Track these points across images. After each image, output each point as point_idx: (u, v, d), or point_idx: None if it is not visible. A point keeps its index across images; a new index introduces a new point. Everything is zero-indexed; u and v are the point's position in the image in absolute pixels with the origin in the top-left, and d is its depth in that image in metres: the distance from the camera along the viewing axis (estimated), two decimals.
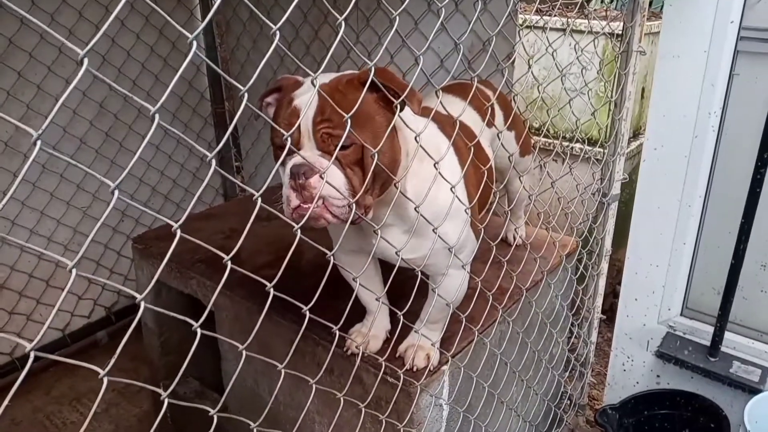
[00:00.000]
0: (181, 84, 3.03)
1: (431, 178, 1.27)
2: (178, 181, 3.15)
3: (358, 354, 1.46)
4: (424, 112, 1.30)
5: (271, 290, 0.96)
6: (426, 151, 1.19)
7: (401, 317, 1.33)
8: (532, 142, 1.97)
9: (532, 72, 1.83)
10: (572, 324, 2.27)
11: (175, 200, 3.17)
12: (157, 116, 0.72)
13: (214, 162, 0.78)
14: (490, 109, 1.68)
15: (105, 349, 3.00)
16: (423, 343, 1.57)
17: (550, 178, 1.99)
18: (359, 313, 1.67)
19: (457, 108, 1.58)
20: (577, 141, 2.78)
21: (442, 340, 1.62)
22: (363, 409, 1.47)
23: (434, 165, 1.22)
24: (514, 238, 2.14)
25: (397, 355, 1.59)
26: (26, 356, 0.61)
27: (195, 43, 0.71)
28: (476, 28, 2.24)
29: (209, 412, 0.90)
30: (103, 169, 2.80)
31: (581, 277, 2.20)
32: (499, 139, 1.61)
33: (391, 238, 1.33)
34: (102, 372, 0.69)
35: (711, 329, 2.04)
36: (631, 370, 2.30)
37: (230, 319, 1.99)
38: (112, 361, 0.69)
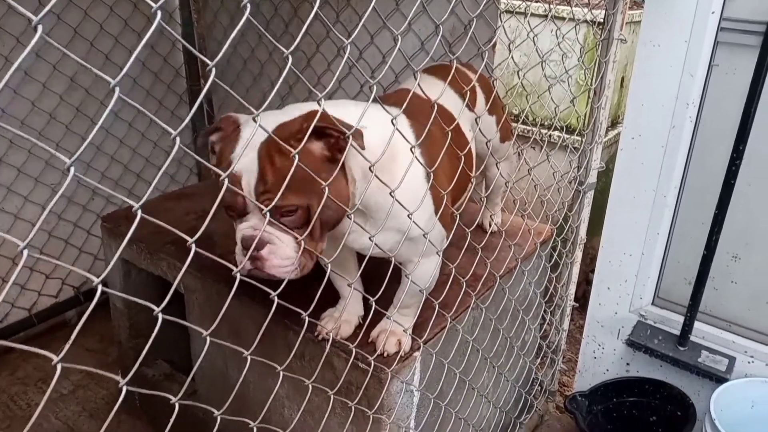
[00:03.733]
0: (156, 60, 2.96)
1: (392, 182, 1.24)
2: (151, 160, 3.09)
3: (328, 339, 1.45)
4: (403, 94, 1.27)
5: (238, 275, 0.94)
6: (382, 180, 1.18)
7: (373, 303, 1.31)
8: (512, 128, 1.96)
9: (512, 57, 1.82)
10: (545, 311, 2.27)
11: (148, 179, 3.10)
12: (117, 89, 0.68)
13: (178, 140, 0.75)
14: (470, 92, 1.65)
15: (73, 330, 2.94)
16: (395, 329, 1.55)
17: (527, 165, 1.98)
18: (333, 297, 1.66)
19: (437, 90, 1.55)
20: (556, 129, 2.78)
21: (414, 326, 1.61)
22: (332, 395, 1.46)
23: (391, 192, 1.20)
24: (490, 225, 2.13)
25: (369, 340, 1.58)
26: None
27: (159, 13, 0.67)
28: (458, 10, 2.21)
29: (171, 399, 0.87)
30: (74, 145, 2.72)
31: (555, 265, 2.20)
32: (477, 124, 1.58)
33: (360, 238, 1.32)
34: (55, 358, 0.66)
35: (681, 319, 2.06)
36: (602, 358, 2.32)
37: (200, 302, 1.96)
38: (66, 347, 0.65)
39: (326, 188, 1.07)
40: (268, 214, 1.03)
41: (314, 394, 1.58)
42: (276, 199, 1.04)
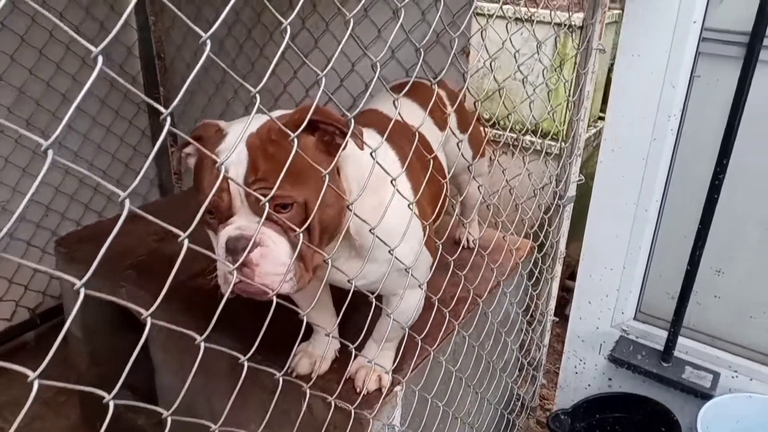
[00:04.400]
0: (111, 67, 2.79)
1: (378, 205, 1.15)
2: (109, 172, 2.93)
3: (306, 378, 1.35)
4: (373, 115, 1.18)
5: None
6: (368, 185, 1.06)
7: (353, 350, 1.22)
8: (485, 143, 1.88)
9: (483, 61, 1.73)
10: (526, 328, 2.21)
11: (105, 193, 2.94)
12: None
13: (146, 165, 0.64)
14: (441, 111, 1.57)
15: (31, 354, 2.77)
16: (378, 361, 1.46)
17: (503, 175, 1.89)
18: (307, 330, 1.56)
19: (409, 112, 1.46)
20: (527, 132, 2.70)
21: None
22: None
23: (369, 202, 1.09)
24: (468, 240, 2.06)
25: (347, 376, 1.48)
26: None
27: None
28: (429, 18, 2.12)
29: None
30: (24, 157, 2.56)
31: (536, 281, 2.14)
32: (455, 146, 1.49)
33: (339, 265, 1.21)
34: (32, 375, 0.57)
35: (664, 334, 2.02)
36: (583, 373, 2.27)
37: (164, 333, 1.84)
38: (44, 364, 0.55)
39: (326, 177, 0.92)
40: (266, 206, 0.86)
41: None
42: (272, 190, 0.88)
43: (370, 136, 1.26)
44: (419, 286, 1.34)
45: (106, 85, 2.79)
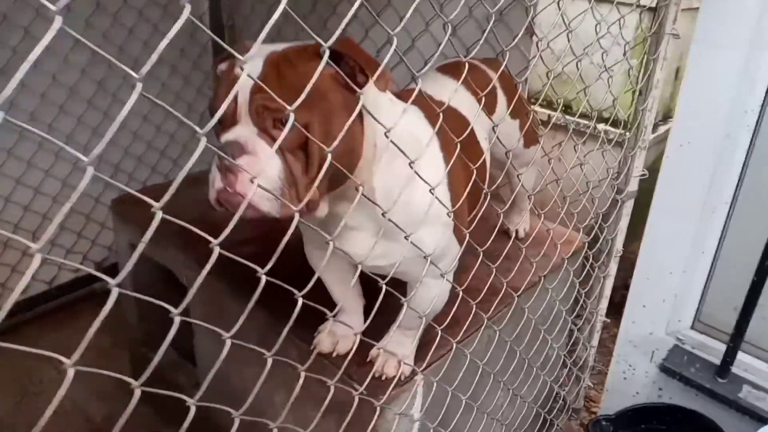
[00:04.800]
0: (181, 34, 2.85)
1: (406, 175, 1.10)
2: (176, 137, 3.01)
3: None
4: (410, 95, 1.12)
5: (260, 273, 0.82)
6: (398, 147, 1.01)
7: (358, 335, 1.18)
8: (539, 131, 1.78)
9: (549, 46, 1.62)
10: (572, 326, 2.10)
11: (171, 156, 3.04)
12: (139, 84, 0.60)
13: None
14: (490, 94, 1.48)
15: (96, 304, 2.93)
16: (396, 349, 1.42)
17: (561, 164, 1.78)
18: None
19: (452, 92, 1.39)
20: (598, 119, 2.54)
21: (420, 346, 1.48)
22: (326, 413, 1.35)
23: (409, 164, 1.04)
24: (516, 231, 1.98)
25: (368, 359, 1.46)
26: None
27: None
28: None
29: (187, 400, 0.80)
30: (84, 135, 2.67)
31: (587, 277, 2.02)
32: (495, 132, 1.40)
33: (360, 241, 1.17)
34: (68, 362, 0.60)
35: (723, 347, 1.86)
36: (632, 379, 2.14)
37: (203, 300, 1.87)
38: (78, 352, 0.57)
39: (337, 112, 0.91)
40: (265, 118, 0.87)
41: (309, 409, 1.48)
42: (271, 102, 0.87)
43: (413, 110, 1.21)
44: (442, 275, 1.28)
45: (175, 53, 2.85)
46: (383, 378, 1.41)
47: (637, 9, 2.23)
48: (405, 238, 1.11)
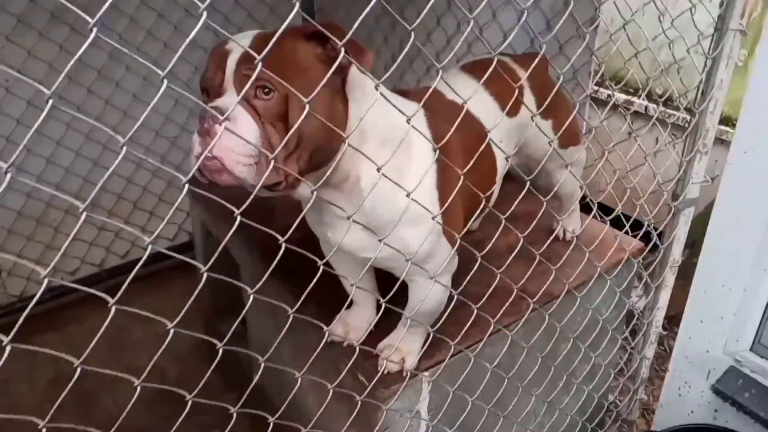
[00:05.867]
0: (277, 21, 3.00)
1: (395, 168, 1.12)
2: None
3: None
4: (423, 93, 1.14)
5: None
6: (372, 135, 1.04)
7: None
8: (581, 130, 1.70)
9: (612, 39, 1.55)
10: (625, 336, 2.01)
11: None
12: (165, 81, 0.71)
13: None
14: (513, 94, 1.44)
15: (185, 273, 3.19)
16: (402, 345, 1.45)
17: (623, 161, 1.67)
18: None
19: (470, 92, 1.37)
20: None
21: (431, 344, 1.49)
22: (340, 400, 1.41)
23: (377, 169, 1.05)
24: (564, 233, 1.91)
25: (375, 352, 1.50)
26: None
27: None
28: None
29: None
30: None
31: (645, 285, 1.92)
32: (537, 133, 1.36)
33: (351, 233, 1.20)
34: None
35: None
36: (687, 397, 2.00)
37: (248, 277, 2.00)
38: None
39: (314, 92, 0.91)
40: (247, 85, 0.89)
41: (327, 391, 1.56)
42: (253, 71, 0.89)
43: (409, 104, 1.21)
44: (432, 278, 1.28)
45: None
46: (386, 372, 1.44)
47: None
48: (379, 240, 1.13)
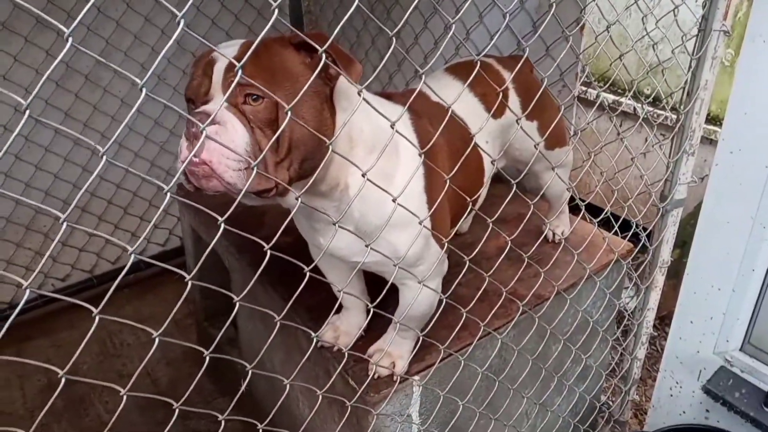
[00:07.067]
0: (262, 25, 3.00)
1: (382, 175, 1.12)
2: None
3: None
4: (408, 96, 1.14)
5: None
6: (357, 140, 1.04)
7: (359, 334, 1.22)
8: (567, 131, 1.70)
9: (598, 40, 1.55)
10: (616, 337, 2.01)
11: None
12: (144, 90, 0.71)
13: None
14: (497, 96, 1.44)
15: (174, 278, 3.18)
16: (392, 349, 1.45)
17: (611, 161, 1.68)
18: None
19: (455, 95, 1.37)
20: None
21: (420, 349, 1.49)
22: (330, 403, 1.41)
23: (362, 174, 1.04)
24: (554, 235, 1.91)
25: (366, 356, 1.49)
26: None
27: None
28: None
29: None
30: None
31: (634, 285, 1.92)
32: (522, 134, 1.36)
33: (342, 238, 1.20)
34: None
35: None
36: (678, 398, 2.01)
37: (239, 284, 1.99)
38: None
39: (302, 90, 0.92)
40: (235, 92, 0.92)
41: (318, 396, 1.55)
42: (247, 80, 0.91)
43: (394, 108, 1.21)
44: (420, 282, 1.28)
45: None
46: (376, 377, 1.44)
47: None
48: (366, 246, 1.13)
